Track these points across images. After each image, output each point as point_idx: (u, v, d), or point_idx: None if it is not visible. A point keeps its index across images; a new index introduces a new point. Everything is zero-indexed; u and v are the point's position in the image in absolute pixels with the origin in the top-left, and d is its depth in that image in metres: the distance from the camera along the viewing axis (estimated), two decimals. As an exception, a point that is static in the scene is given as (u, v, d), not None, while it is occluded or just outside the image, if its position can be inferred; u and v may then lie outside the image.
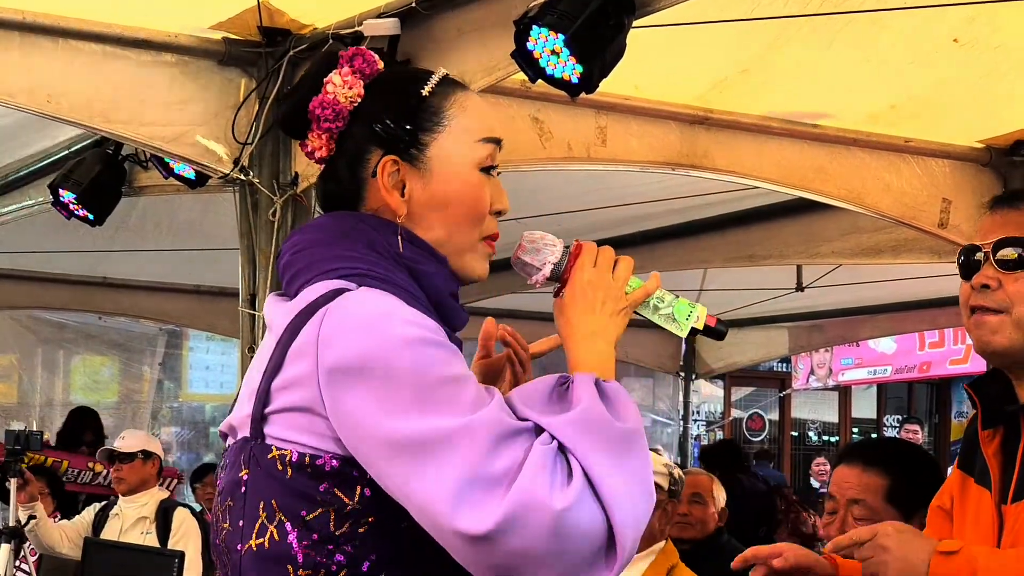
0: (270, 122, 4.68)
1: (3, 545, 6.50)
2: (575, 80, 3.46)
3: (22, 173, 6.48)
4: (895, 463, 3.48)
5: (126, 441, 7.34)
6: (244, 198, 4.78)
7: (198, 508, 9.13)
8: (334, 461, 1.96)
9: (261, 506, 2.00)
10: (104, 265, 9.11)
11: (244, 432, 2.05)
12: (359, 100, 2.16)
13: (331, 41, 4.38)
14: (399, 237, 2.11)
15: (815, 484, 11.78)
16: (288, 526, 1.98)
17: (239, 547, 2.02)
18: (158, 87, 4.67)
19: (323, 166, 2.20)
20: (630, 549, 1.92)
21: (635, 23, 3.54)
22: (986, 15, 4.56)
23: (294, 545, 1.97)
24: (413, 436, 1.88)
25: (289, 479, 1.98)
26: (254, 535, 2.01)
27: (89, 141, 5.74)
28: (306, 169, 4.68)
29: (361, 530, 1.96)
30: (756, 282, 9.28)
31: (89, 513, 7.34)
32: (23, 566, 6.79)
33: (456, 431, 1.87)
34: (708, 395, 18.94)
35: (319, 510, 1.97)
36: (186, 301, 10.26)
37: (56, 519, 7.72)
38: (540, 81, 3.64)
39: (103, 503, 7.40)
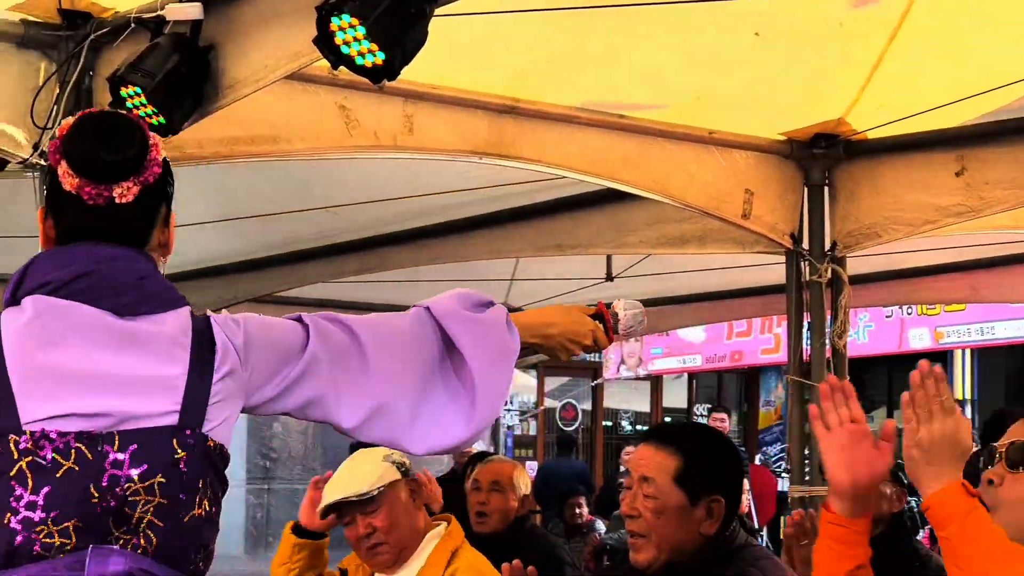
0: (71, 107, 4.59)
1: None
2: (377, 67, 3.46)
3: None
4: (689, 446, 3.53)
5: None
6: (43, 184, 4.67)
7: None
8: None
9: (201, 483, 2.52)
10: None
11: (158, 420, 2.49)
12: None
13: (133, 25, 4.31)
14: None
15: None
16: (209, 500, 2.54)
17: (182, 513, 2.49)
18: (-48, 69, 4.55)
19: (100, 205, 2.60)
20: None
21: (439, 11, 3.54)
22: (785, 9, 4.66)
23: (214, 514, 2.56)
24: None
25: (217, 463, 2.57)
26: (196, 505, 2.51)
27: None
28: (108, 155, 4.59)
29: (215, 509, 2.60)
30: (567, 272, 9.34)
31: None
32: None
33: None
34: (521, 385, 19.04)
35: (221, 489, 2.61)
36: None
37: None
38: (344, 68, 3.63)
39: None
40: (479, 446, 12.59)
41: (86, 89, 4.63)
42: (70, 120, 2.67)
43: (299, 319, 2.76)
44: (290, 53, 3.90)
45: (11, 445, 2.40)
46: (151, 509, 2.43)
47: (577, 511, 10.96)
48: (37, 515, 2.38)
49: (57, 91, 4.61)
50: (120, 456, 2.43)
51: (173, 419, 2.48)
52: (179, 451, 2.47)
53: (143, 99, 4.10)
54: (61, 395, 2.45)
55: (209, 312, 2.68)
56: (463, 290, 2.91)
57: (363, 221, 7.57)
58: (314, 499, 4.54)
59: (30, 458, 2.39)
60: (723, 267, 8.31)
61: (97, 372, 2.48)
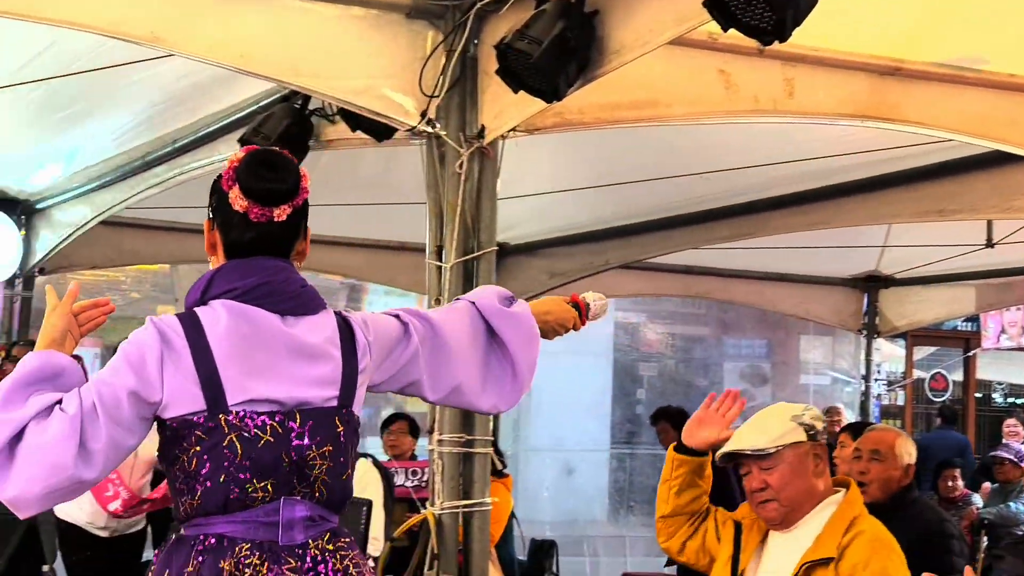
0: (456, 75, 4.70)
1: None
2: (768, 29, 3.41)
3: (212, 128, 6.59)
4: None
5: None
6: (431, 151, 4.79)
7: (385, 456, 9.19)
8: None
9: (352, 448, 3.23)
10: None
11: (325, 403, 3.16)
12: None
13: (517, -6, 4.37)
14: None
15: (1015, 446, 11.46)
16: (353, 462, 3.28)
17: (342, 473, 3.19)
18: (346, 41, 4.70)
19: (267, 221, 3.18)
20: None
21: (829, -29, 3.48)
22: None
23: (353, 472, 3.29)
24: None
25: (358, 432, 3.25)
26: (349, 467, 3.23)
27: (277, 96, 5.82)
28: (492, 122, 4.68)
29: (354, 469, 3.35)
30: (942, 238, 9.08)
31: None
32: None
33: None
34: (888, 354, 18.60)
35: (356, 452, 3.33)
36: (366, 255, 10.39)
37: None
38: (727, 33, 3.59)
39: None
40: (849, 416, 12.36)
41: (471, 57, 4.73)
42: (240, 154, 3.21)
43: (397, 316, 3.43)
44: (676, 17, 3.88)
45: (222, 422, 3.06)
46: (324, 470, 3.14)
47: (951, 483, 10.65)
48: (245, 476, 3.06)
49: (443, 60, 4.72)
50: (300, 430, 3.12)
51: (334, 402, 3.19)
52: (339, 426, 3.18)
53: (529, 66, 4.16)
54: (254, 384, 3.10)
55: (344, 312, 3.32)
56: (495, 287, 3.71)
57: (735, 186, 7.52)
58: (701, 419, 4.53)
59: (237, 432, 3.06)
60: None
61: (278, 365, 3.13)
